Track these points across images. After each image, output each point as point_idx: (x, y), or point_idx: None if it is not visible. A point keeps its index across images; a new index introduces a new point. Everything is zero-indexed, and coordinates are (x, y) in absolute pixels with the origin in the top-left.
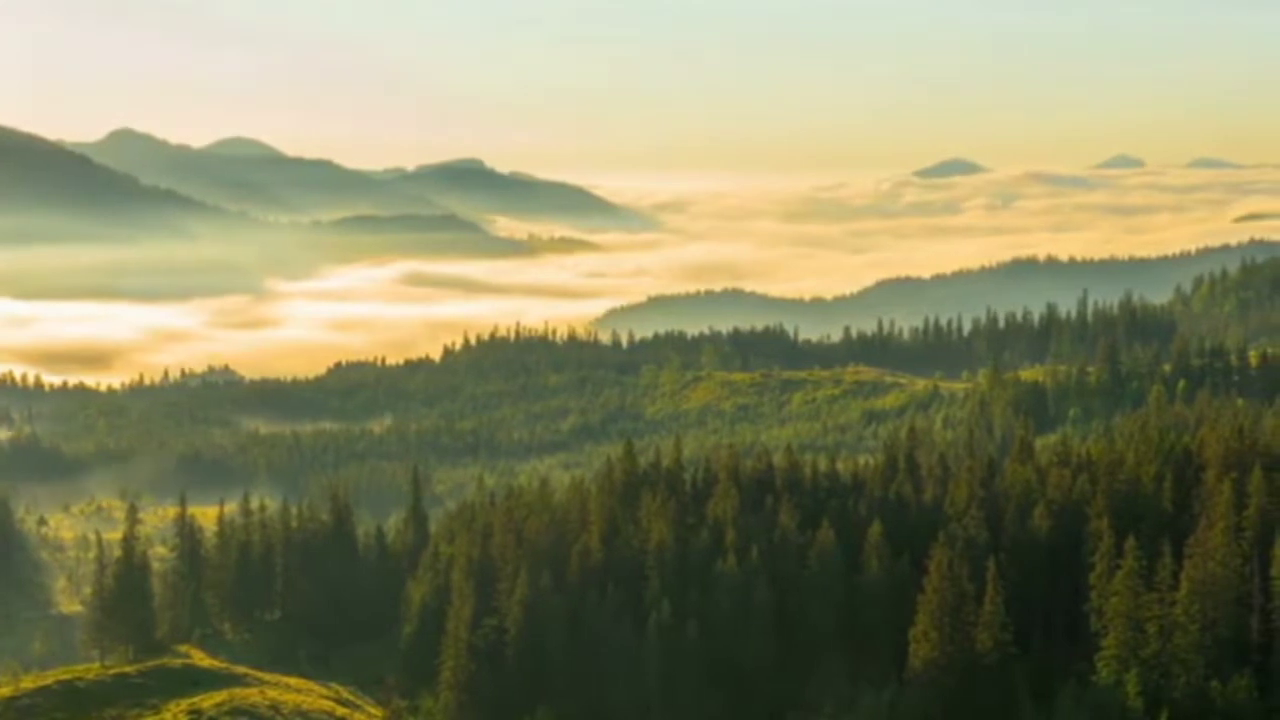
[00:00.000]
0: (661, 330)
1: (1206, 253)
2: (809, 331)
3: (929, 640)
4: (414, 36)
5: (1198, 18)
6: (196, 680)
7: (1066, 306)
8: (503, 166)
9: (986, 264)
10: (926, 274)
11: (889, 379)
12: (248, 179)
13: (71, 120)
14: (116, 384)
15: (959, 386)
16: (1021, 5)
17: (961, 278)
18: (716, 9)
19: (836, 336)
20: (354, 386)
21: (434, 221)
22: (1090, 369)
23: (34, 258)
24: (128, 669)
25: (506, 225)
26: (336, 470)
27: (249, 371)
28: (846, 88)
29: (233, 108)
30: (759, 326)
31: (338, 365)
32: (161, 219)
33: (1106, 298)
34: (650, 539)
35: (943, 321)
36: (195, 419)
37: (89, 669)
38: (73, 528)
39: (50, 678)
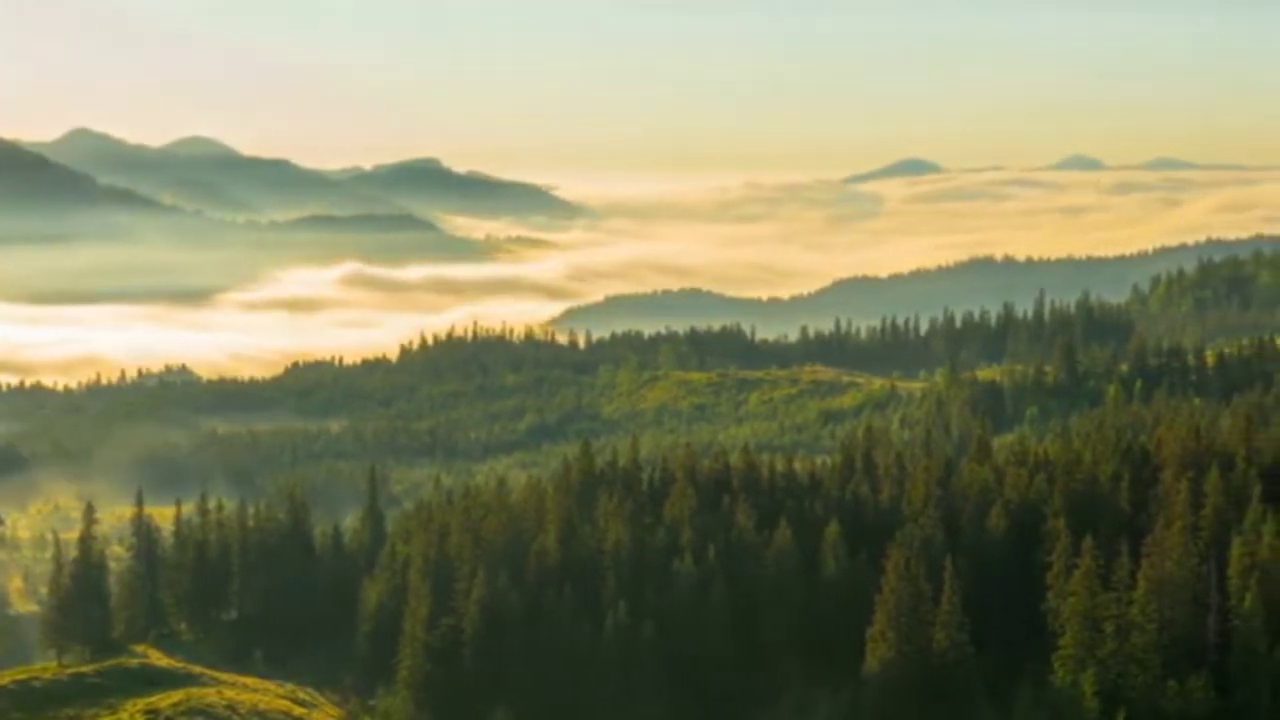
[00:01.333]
0: (619, 330)
1: (1164, 252)
2: (766, 331)
3: (886, 640)
4: (372, 36)
5: (1156, 19)
6: (153, 680)
7: (1024, 306)
8: (460, 166)
9: (944, 264)
10: (884, 274)
11: (846, 379)
12: (205, 179)
13: (28, 120)
14: (74, 384)
15: (916, 386)
16: (985, 10)
17: (919, 277)
18: (675, 10)
19: (794, 336)
20: (311, 386)
21: (391, 221)
22: (1047, 369)
23: None
24: (84, 669)
25: (464, 225)
26: (293, 470)
27: (206, 371)
28: (804, 87)
29: (190, 107)
30: (716, 326)
31: (294, 365)
32: (118, 218)
33: (1064, 297)
34: (607, 539)
35: (900, 321)
36: (152, 419)
37: (45, 669)
38: (29, 527)
39: (7, 678)
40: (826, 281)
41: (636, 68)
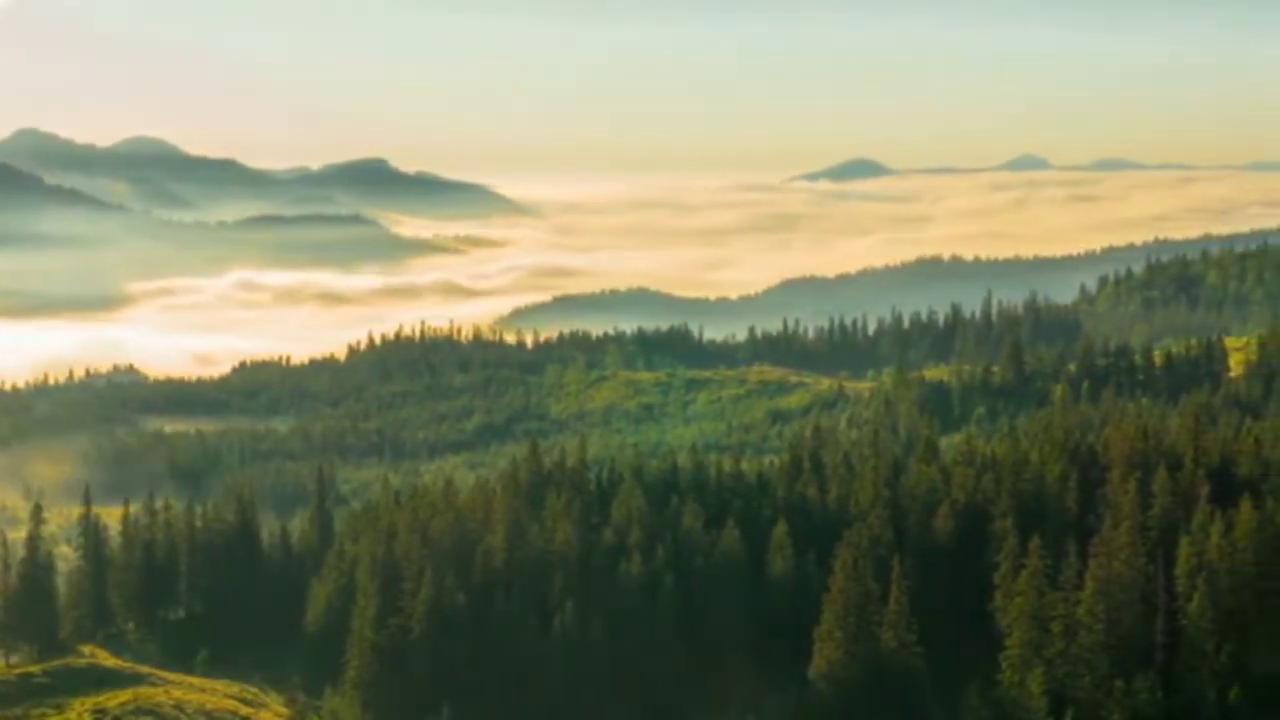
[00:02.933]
0: (566, 330)
1: (1111, 252)
2: (714, 331)
3: (834, 640)
4: (319, 36)
5: (1102, 21)
6: (101, 680)
7: (971, 306)
8: (408, 166)
9: (891, 264)
10: (831, 274)
11: (794, 379)
12: (152, 178)
13: None
14: (21, 383)
15: (864, 386)
16: (934, 14)
17: (866, 277)
18: (623, 15)
19: (741, 336)
20: (258, 386)
21: (338, 221)
22: (995, 369)
23: None
24: (32, 669)
25: (411, 224)
26: (241, 470)
27: (154, 371)
28: (752, 88)
29: (137, 107)
30: (664, 326)
31: (242, 365)
32: (66, 218)
33: (1011, 298)
34: (555, 539)
35: (848, 321)
36: (100, 418)
37: None
38: None
39: None
40: (774, 282)
41: (585, 70)
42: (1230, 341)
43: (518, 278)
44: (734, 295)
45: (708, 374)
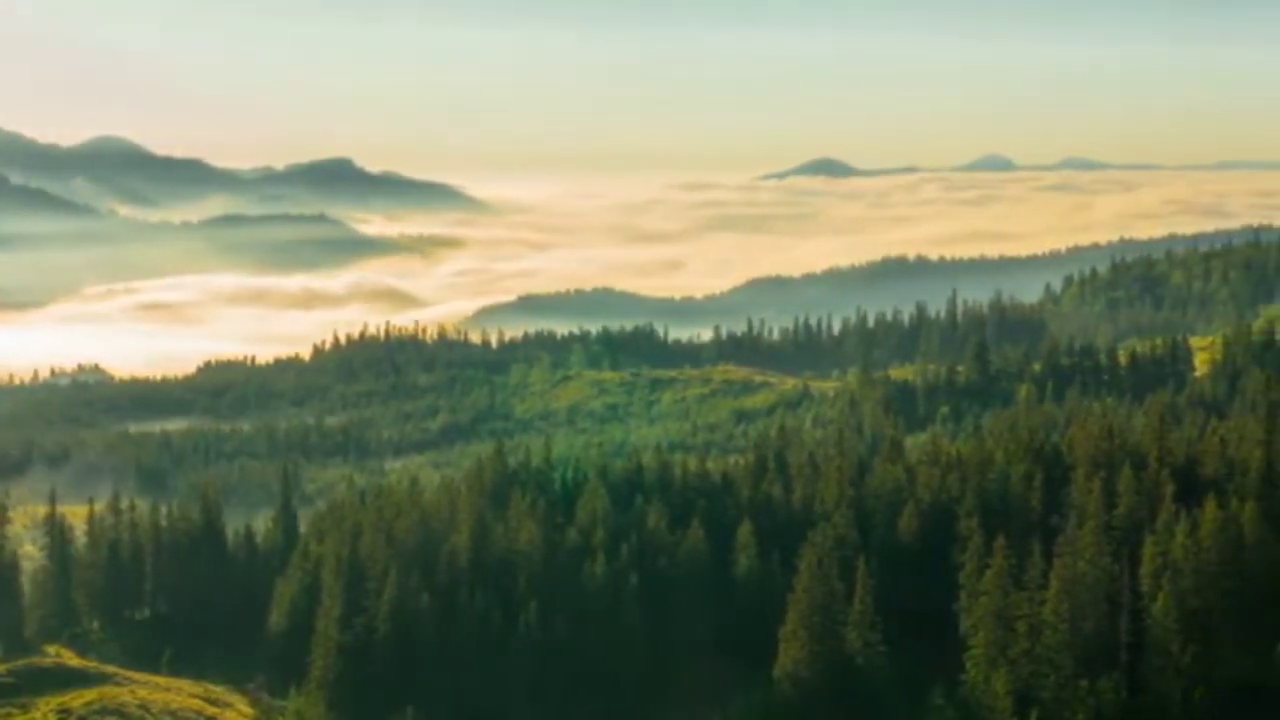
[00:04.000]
0: (531, 330)
1: (1076, 252)
2: (679, 331)
3: (798, 639)
4: (285, 35)
5: (1065, 22)
6: (66, 679)
7: (936, 306)
8: (373, 166)
9: (856, 263)
10: (796, 273)
11: (759, 378)
12: (117, 178)
13: None
14: None
15: (829, 386)
16: (896, 15)
17: (831, 277)
18: (586, 16)
19: (706, 336)
20: (223, 386)
21: (303, 220)
22: (960, 368)
23: None
24: None
25: (376, 224)
26: (206, 470)
27: (119, 370)
28: (718, 87)
29: (103, 107)
30: (629, 326)
31: (207, 364)
32: (31, 218)
33: (976, 297)
34: (519, 539)
35: (812, 321)
36: (65, 418)
37: None
38: None
39: None
40: (739, 281)
41: (552, 71)
42: (1195, 341)
43: (483, 277)
44: (699, 295)
45: (672, 374)
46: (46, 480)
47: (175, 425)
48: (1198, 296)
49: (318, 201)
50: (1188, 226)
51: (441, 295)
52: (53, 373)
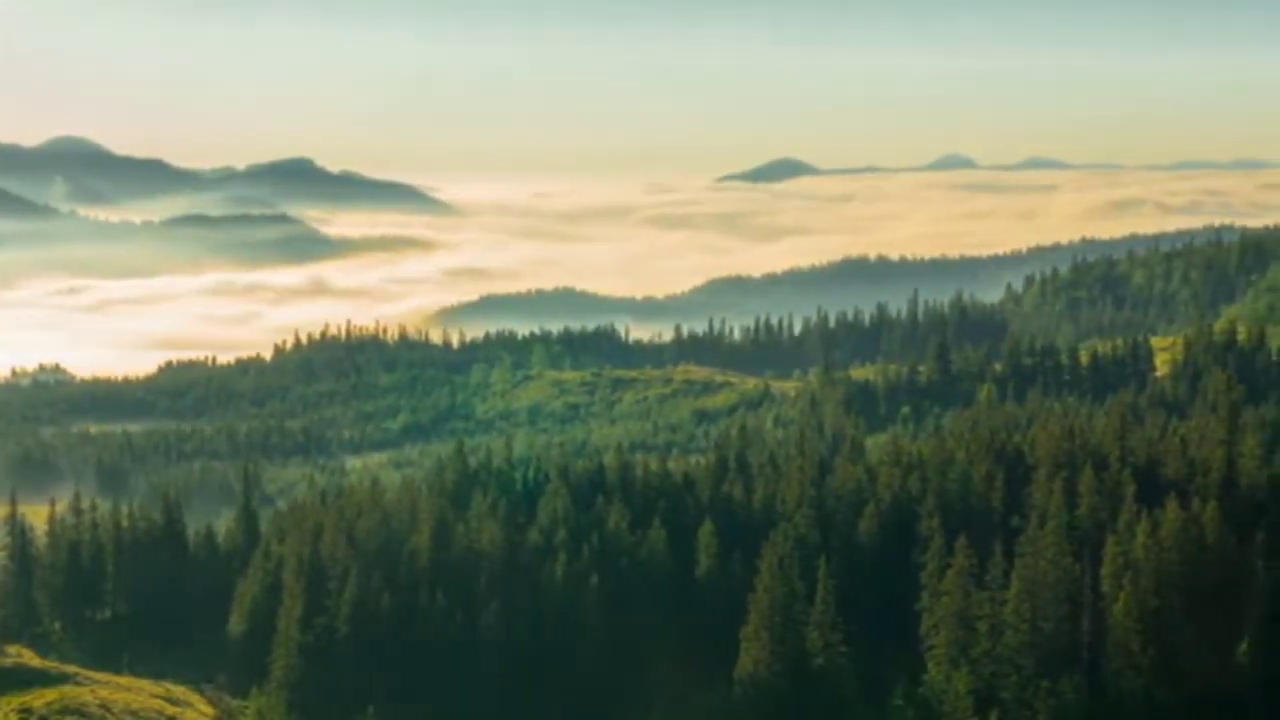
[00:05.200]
0: (493, 329)
1: (1037, 252)
2: (640, 331)
3: (759, 640)
4: (245, 35)
5: (1024, 21)
6: (27, 679)
7: (897, 306)
8: (334, 166)
9: (817, 263)
10: (757, 273)
11: (720, 378)
12: (80, 178)
13: None
14: None
15: (790, 386)
16: (856, 13)
17: (792, 277)
18: (547, 15)
19: (667, 336)
20: (184, 386)
21: (264, 220)
22: (921, 368)
23: None
24: None
25: (337, 224)
26: (167, 470)
27: (80, 371)
28: (677, 87)
29: (64, 107)
30: (590, 326)
31: (168, 365)
32: None
33: (937, 297)
34: (480, 539)
35: (774, 321)
36: (26, 418)
37: None
38: None
39: None
40: (700, 281)
41: (510, 73)
42: (1156, 341)
43: (443, 277)
44: (660, 295)
45: (634, 374)
46: (7, 480)
47: (136, 425)
48: (1159, 296)
49: (278, 201)
50: (1149, 226)
51: (402, 295)
52: (14, 373)
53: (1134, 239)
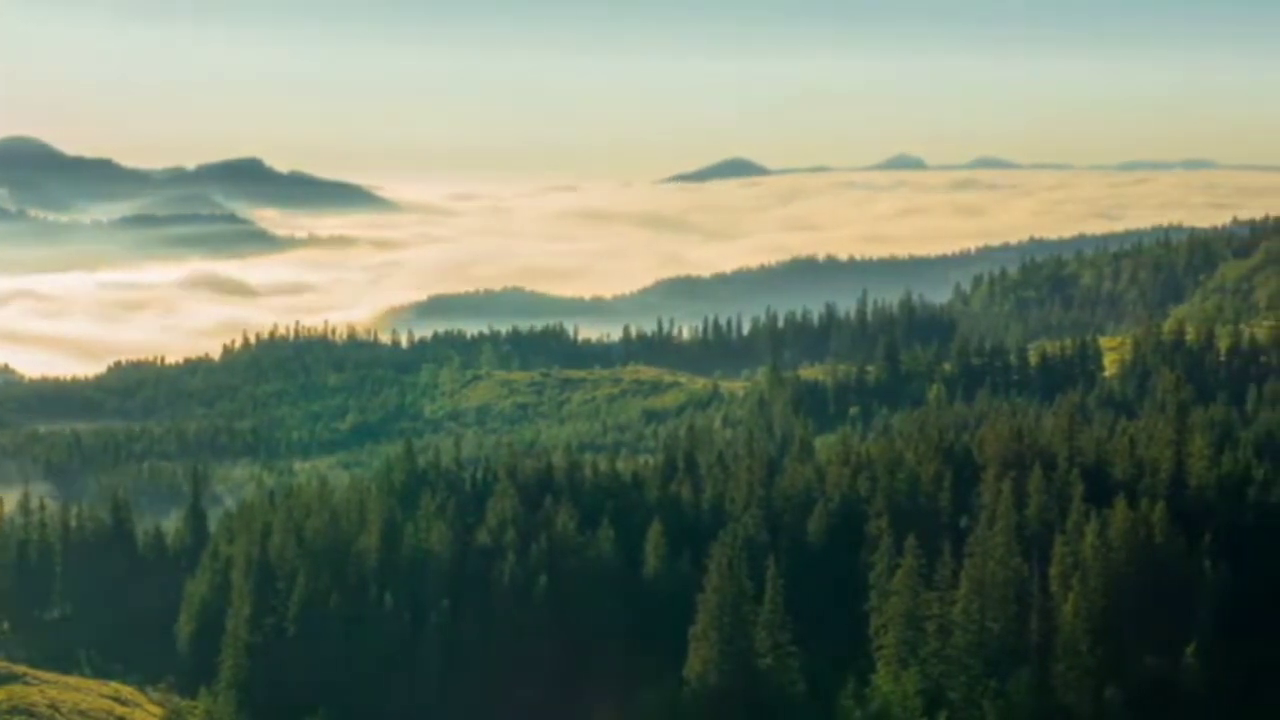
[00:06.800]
0: (441, 329)
1: (986, 251)
2: (589, 331)
3: (708, 640)
4: (195, 34)
5: (975, 21)
6: None
7: (846, 306)
8: (282, 165)
9: (766, 263)
10: (706, 273)
11: (668, 378)
12: (29, 179)
13: None
14: None
15: (739, 386)
16: (807, 10)
17: (741, 277)
18: (491, 15)
19: (616, 336)
20: (133, 386)
21: (213, 220)
22: (870, 368)
23: None
24: None
25: (286, 223)
26: (115, 470)
27: (29, 371)
28: (626, 87)
29: (13, 107)
30: (539, 326)
31: (117, 365)
32: None
33: (886, 297)
34: (429, 539)
35: (722, 321)
36: None
37: None
38: None
39: None
40: (649, 281)
41: (462, 69)
42: (1105, 341)
43: (392, 277)
44: (609, 295)
45: (582, 374)
46: None
47: (85, 425)
48: (1107, 297)
49: (228, 201)
50: (1097, 227)
51: (351, 295)
52: None
53: (1082, 239)
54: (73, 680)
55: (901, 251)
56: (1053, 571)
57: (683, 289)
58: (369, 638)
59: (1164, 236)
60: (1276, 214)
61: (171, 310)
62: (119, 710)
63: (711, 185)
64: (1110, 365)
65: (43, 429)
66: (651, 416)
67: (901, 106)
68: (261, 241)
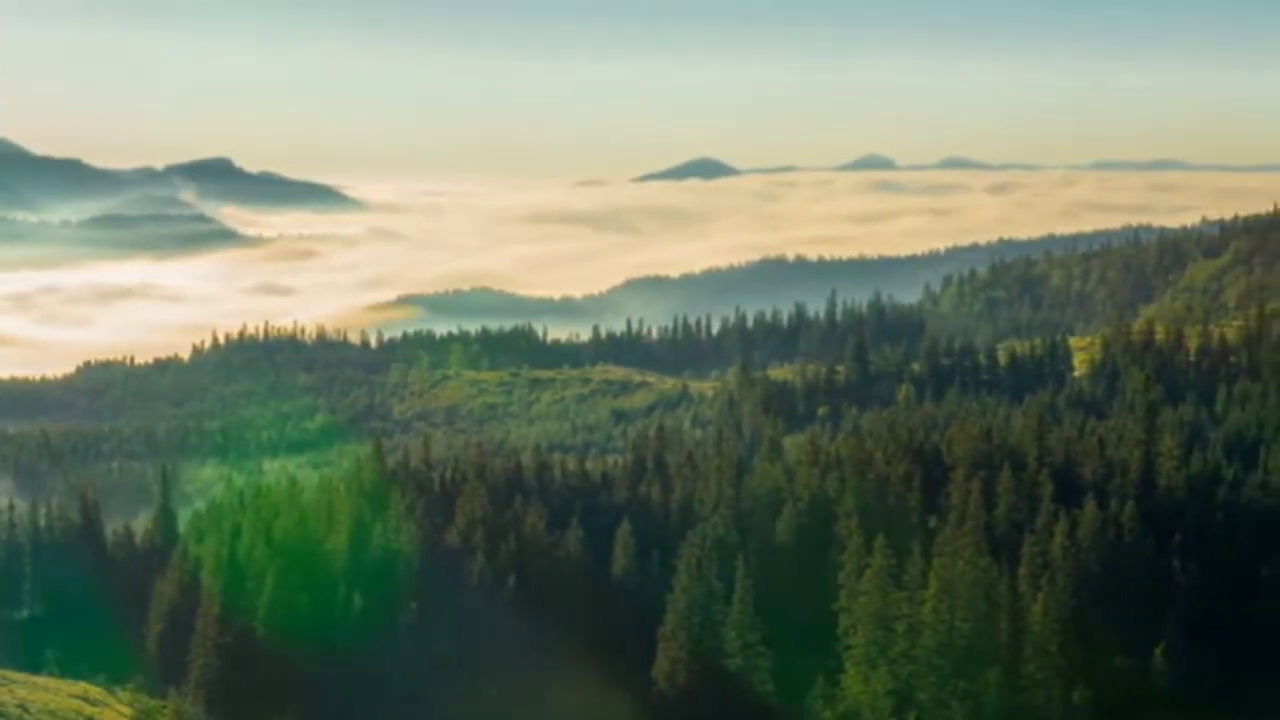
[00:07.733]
0: (410, 329)
1: (955, 252)
2: (558, 331)
3: (677, 640)
4: (165, 33)
5: (944, 19)
6: None
7: (815, 306)
8: (251, 165)
9: (735, 263)
10: (675, 273)
11: (638, 378)
12: None
13: None
14: None
15: (708, 386)
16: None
17: (710, 277)
18: (454, 16)
19: (585, 336)
20: (101, 386)
21: (182, 220)
22: (839, 368)
23: None
24: None
25: (255, 223)
26: (84, 469)
27: None
28: (593, 86)
29: None
30: (508, 326)
31: (86, 365)
32: None
33: (855, 297)
34: (398, 539)
35: (691, 321)
36: None
37: None
38: None
39: None
40: (618, 281)
41: (431, 71)
42: (1074, 341)
43: (361, 277)
44: (578, 295)
45: (551, 374)
46: None
47: (54, 425)
48: (1076, 297)
49: (197, 201)
50: (1067, 227)
51: (320, 295)
52: None
53: (1052, 239)
54: (41, 680)
55: (871, 251)
56: (1022, 572)
57: (652, 289)
58: (338, 638)
59: (1133, 237)
60: (1245, 214)
61: (140, 310)
62: (88, 710)
63: (681, 185)
64: (1080, 365)
65: (11, 429)
66: (620, 416)
67: (871, 107)
68: (231, 241)
